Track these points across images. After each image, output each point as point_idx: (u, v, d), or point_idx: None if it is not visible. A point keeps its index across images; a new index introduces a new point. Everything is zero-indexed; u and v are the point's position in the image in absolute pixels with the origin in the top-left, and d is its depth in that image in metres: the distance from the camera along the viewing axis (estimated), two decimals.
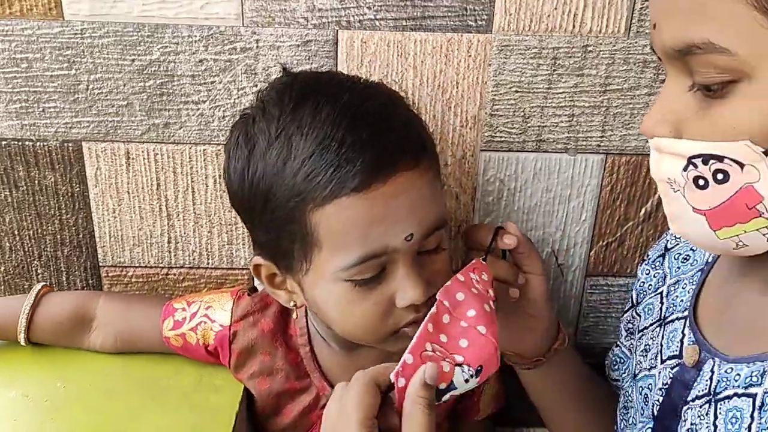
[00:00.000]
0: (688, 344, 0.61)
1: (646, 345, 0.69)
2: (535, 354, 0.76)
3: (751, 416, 0.52)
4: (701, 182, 0.50)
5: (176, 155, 0.82)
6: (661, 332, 0.67)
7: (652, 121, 0.53)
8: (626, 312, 0.79)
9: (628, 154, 0.82)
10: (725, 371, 0.56)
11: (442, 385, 0.57)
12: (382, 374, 0.56)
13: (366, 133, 0.61)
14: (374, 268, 0.62)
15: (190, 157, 0.82)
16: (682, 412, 0.59)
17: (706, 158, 0.49)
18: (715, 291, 0.64)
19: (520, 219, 0.86)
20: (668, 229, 0.69)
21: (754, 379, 0.53)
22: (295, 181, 0.60)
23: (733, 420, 0.53)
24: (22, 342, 0.78)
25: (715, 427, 0.55)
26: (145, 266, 0.87)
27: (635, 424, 0.67)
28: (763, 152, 0.46)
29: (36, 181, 0.82)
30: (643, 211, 0.86)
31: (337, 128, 0.60)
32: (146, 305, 0.80)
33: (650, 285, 0.74)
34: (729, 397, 0.54)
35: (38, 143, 0.80)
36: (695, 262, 0.68)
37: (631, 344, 0.76)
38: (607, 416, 0.76)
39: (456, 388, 0.58)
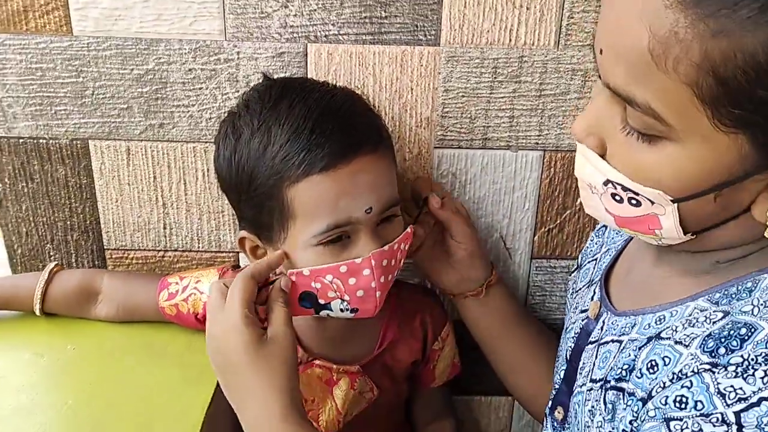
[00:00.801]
0: (593, 300, 0.74)
1: (577, 303, 0.81)
2: (464, 291, 0.91)
3: (615, 357, 0.64)
4: (617, 198, 0.59)
5: (170, 152, 0.94)
6: (588, 292, 0.79)
7: (582, 128, 0.59)
8: (571, 273, 0.91)
9: (563, 150, 0.94)
10: (612, 322, 0.68)
11: (322, 301, 0.78)
12: (259, 271, 0.73)
13: (332, 123, 0.74)
14: (340, 234, 0.76)
15: (182, 153, 0.94)
16: (582, 355, 0.72)
17: (625, 188, 0.57)
18: (625, 259, 0.75)
19: (471, 208, 0.97)
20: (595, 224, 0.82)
21: (627, 329, 0.65)
22: (273, 162, 0.73)
23: (604, 359, 0.66)
24: (37, 312, 0.90)
25: (594, 365, 0.67)
26: (144, 249, 1.00)
27: (557, 368, 0.79)
28: (671, 200, 0.55)
29: (49, 174, 0.95)
30: (579, 200, 0.97)
31: (308, 120, 0.74)
32: (144, 280, 0.92)
33: (591, 251, 0.85)
34: (607, 342, 0.66)
35: (51, 141, 0.93)
36: (625, 234, 0.78)
37: (570, 303, 0.88)
38: (541, 350, 0.88)
39: (332, 310, 0.79)
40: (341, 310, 0.79)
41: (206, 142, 0.93)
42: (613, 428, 0.61)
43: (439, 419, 1.04)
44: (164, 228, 0.98)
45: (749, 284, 0.56)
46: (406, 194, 0.90)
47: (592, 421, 0.66)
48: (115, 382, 0.82)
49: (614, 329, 0.67)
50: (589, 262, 0.84)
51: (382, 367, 0.92)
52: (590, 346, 0.71)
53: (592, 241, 0.86)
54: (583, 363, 0.71)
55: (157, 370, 0.83)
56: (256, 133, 0.75)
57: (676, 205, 0.55)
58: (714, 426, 0.49)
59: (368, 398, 0.92)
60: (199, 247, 1.00)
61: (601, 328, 0.69)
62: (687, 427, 0.50)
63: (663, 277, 0.65)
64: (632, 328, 0.64)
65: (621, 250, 0.77)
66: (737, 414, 0.48)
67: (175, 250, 1.00)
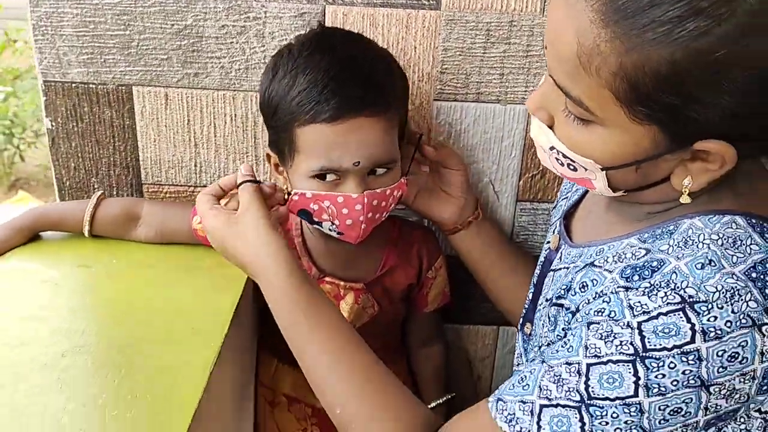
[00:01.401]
0: (554, 233, 0.88)
1: (549, 237, 0.95)
2: (456, 222, 1.04)
3: (559, 279, 0.79)
4: (559, 162, 0.73)
5: (203, 98, 1.07)
6: (554, 227, 0.93)
7: (534, 104, 0.73)
8: (551, 211, 1.05)
9: None
10: (567, 253, 0.82)
11: (315, 219, 0.93)
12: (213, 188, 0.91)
13: (345, 82, 0.87)
14: (332, 175, 0.89)
15: (213, 100, 1.08)
16: (545, 280, 0.86)
17: (565, 155, 0.71)
18: (588, 200, 0.89)
19: (464, 155, 1.11)
20: None
21: (575, 258, 0.79)
22: (291, 104, 0.87)
23: (554, 282, 0.81)
24: (86, 233, 1.04)
25: (548, 287, 0.82)
26: (177, 185, 1.14)
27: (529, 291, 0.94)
28: (601, 169, 0.69)
29: (96, 116, 1.08)
30: None
31: (326, 75, 0.87)
32: (180, 207, 1.07)
33: (565, 189, 0.98)
34: (559, 269, 0.81)
35: (99, 86, 1.06)
36: None
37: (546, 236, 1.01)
38: (527, 274, 1.01)
39: (322, 227, 0.95)
40: (329, 230, 0.94)
41: (235, 90, 1.07)
42: (553, 337, 0.76)
43: (430, 342, 1.19)
44: (195, 166, 1.12)
45: (671, 227, 0.70)
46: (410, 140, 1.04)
47: (544, 333, 0.81)
48: (153, 288, 0.96)
49: (567, 258, 0.82)
50: (562, 199, 0.98)
51: (382, 288, 1.07)
52: (551, 272, 0.85)
53: (565, 184, 1.00)
54: (545, 286, 0.86)
55: (190, 280, 0.98)
56: (287, 75, 0.89)
57: (604, 172, 0.69)
58: (621, 329, 0.63)
59: (370, 313, 1.06)
60: None
61: (560, 258, 0.84)
62: (602, 329, 0.65)
63: (609, 220, 0.80)
64: (579, 257, 0.79)
65: (585, 193, 0.91)
66: (639, 323, 0.63)
67: (204, 186, 1.13)
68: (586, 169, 0.70)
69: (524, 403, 0.67)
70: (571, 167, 0.71)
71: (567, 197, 0.95)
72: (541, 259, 0.90)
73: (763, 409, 0.66)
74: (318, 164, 0.89)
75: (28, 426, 0.70)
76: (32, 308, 0.89)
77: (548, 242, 0.90)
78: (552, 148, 0.72)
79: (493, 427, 0.69)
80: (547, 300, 0.82)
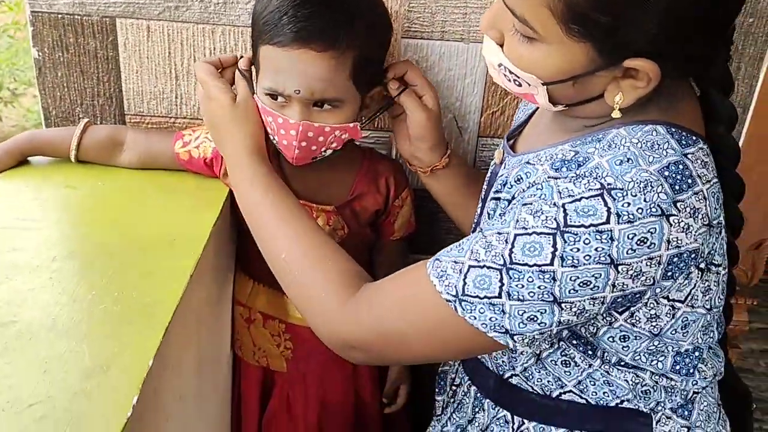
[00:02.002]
0: (498, 149, 0.96)
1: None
2: (429, 163, 1.08)
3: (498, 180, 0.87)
4: (507, 78, 0.81)
5: (183, 31, 1.13)
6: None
7: (486, 23, 0.80)
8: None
9: None
10: (508, 163, 0.90)
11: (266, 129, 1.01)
12: (212, 61, 1.02)
13: (305, 11, 0.92)
14: (281, 98, 0.96)
15: (193, 33, 1.13)
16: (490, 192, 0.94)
17: (510, 71, 0.78)
18: (534, 119, 0.96)
19: None
20: None
21: (515, 164, 0.87)
22: (259, 22, 0.95)
23: (490, 185, 0.89)
24: (72, 159, 1.10)
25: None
26: (158, 116, 1.20)
27: None
28: (542, 83, 0.76)
29: (81, 46, 1.14)
30: None
31: (292, 2, 0.93)
32: (162, 133, 1.14)
33: (515, 120, 1.04)
34: (502, 175, 0.89)
35: (84, 17, 1.12)
36: None
37: None
38: None
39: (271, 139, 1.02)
40: (273, 141, 1.02)
41: (214, 24, 1.12)
42: (490, 226, 0.83)
43: (396, 270, 1.27)
44: (176, 98, 1.19)
45: (600, 136, 0.78)
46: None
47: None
48: (137, 206, 1.04)
49: (509, 167, 0.90)
50: (514, 125, 1.05)
51: (352, 212, 1.15)
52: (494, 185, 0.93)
53: (519, 109, 1.07)
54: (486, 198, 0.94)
55: (171, 200, 1.06)
56: None
57: (545, 87, 0.77)
58: (549, 207, 0.72)
59: (340, 235, 1.14)
60: None
61: (504, 168, 0.92)
62: (533, 207, 0.73)
63: (550, 132, 0.88)
64: (519, 162, 0.87)
65: (532, 114, 0.98)
66: (564, 203, 0.71)
67: (184, 118, 1.20)
68: (529, 85, 0.78)
69: (456, 263, 0.76)
70: (517, 83, 0.79)
71: (517, 118, 1.02)
72: (488, 176, 0.98)
73: (670, 297, 0.76)
74: (267, 84, 0.96)
75: (22, 315, 0.77)
76: (23, 221, 0.96)
77: (493, 160, 0.98)
78: (500, 65, 0.80)
79: (426, 281, 0.78)
80: (488, 200, 0.90)
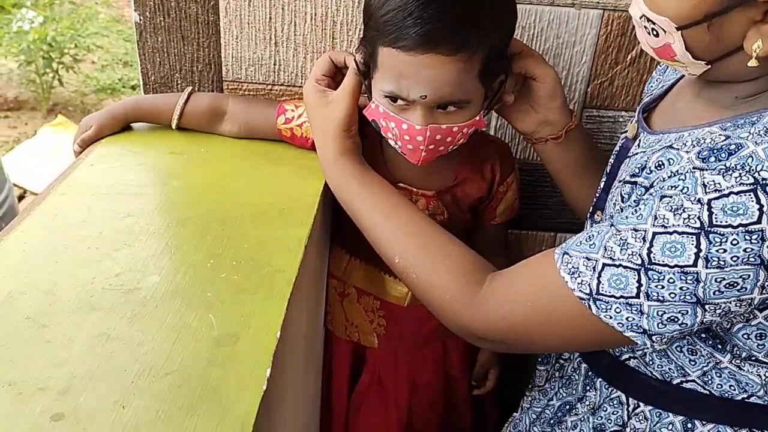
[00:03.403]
0: (632, 122, 0.91)
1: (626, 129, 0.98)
2: (563, 124, 1.01)
3: (635, 161, 0.82)
4: (647, 30, 0.76)
5: None
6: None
7: None
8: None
9: (620, 10, 1.09)
10: (645, 140, 0.85)
11: (383, 132, 0.97)
12: (336, 56, 1.00)
13: (432, 12, 0.83)
14: (402, 101, 0.91)
15: None
16: (620, 167, 0.89)
17: (648, 19, 0.75)
18: (674, 93, 0.91)
19: None
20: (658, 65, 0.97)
21: (653, 144, 0.82)
22: (379, 21, 0.88)
23: (630, 164, 0.84)
24: (173, 125, 1.09)
25: (623, 171, 0.85)
26: (256, 82, 1.18)
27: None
28: (676, 28, 0.72)
29: (183, 11, 1.12)
30: (629, 57, 1.14)
31: (417, 2, 0.84)
32: (264, 104, 1.11)
33: (651, 87, 1.00)
34: (636, 154, 0.84)
35: None
36: (678, 73, 0.93)
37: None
38: None
39: (388, 141, 0.99)
40: (394, 145, 0.97)
41: None
42: (622, 210, 0.80)
43: (494, 254, 1.21)
44: (274, 64, 1.16)
45: (755, 118, 0.72)
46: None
47: (613, 209, 0.85)
48: (242, 173, 1.02)
49: (645, 144, 0.85)
50: (646, 96, 0.99)
51: (453, 198, 1.11)
52: (626, 159, 0.88)
53: (653, 78, 1.01)
54: (621, 173, 0.89)
55: (275, 168, 1.04)
56: None
57: (680, 32, 0.72)
58: (692, 203, 0.67)
59: (439, 220, 1.11)
60: (301, 83, 1.18)
61: (638, 145, 0.87)
62: (673, 202, 0.69)
63: (696, 108, 0.82)
64: (657, 142, 0.82)
65: (673, 85, 0.93)
66: (710, 200, 0.66)
67: (282, 85, 1.18)
68: (665, 32, 0.73)
69: (588, 259, 0.73)
70: (654, 32, 0.75)
71: (651, 94, 0.97)
72: (617, 148, 0.93)
73: None
74: (388, 87, 0.90)
75: (145, 282, 0.76)
76: (132, 186, 0.95)
77: (624, 132, 0.93)
78: (642, 16, 0.75)
79: (556, 275, 0.75)
80: (620, 182, 0.85)
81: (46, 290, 0.73)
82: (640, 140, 0.86)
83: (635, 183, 0.80)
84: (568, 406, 0.98)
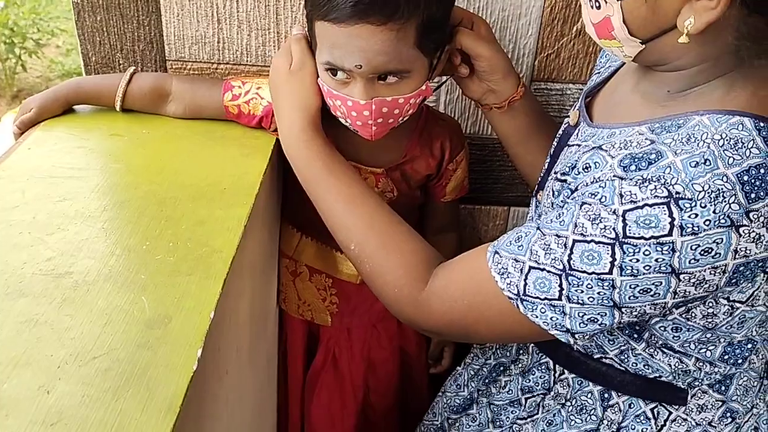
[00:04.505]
0: (574, 109, 0.91)
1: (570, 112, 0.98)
2: (507, 95, 1.01)
3: (570, 155, 0.83)
4: (591, 3, 0.76)
5: None
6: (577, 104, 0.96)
7: None
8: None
9: None
10: (583, 131, 0.86)
11: (332, 111, 0.97)
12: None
13: None
14: (342, 73, 0.90)
15: None
16: (560, 153, 0.90)
17: None
18: (615, 80, 0.91)
19: None
20: None
21: (588, 137, 0.83)
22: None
23: (566, 157, 0.85)
24: (118, 108, 1.06)
25: (561, 161, 0.87)
26: (200, 61, 1.16)
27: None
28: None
29: None
30: (575, 29, 1.13)
31: None
32: (209, 83, 1.09)
33: (597, 67, 0.99)
34: (573, 145, 0.85)
35: None
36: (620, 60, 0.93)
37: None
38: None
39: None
40: (344, 122, 0.97)
41: None
42: (552, 206, 0.83)
43: (444, 230, 1.24)
44: (218, 42, 1.14)
45: (681, 121, 0.73)
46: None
47: (547, 202, 0.87)
48: (184, 154, 1.00)
49: (582, 136, 0.85)
50: (595, 73, 0.99)
51: (402, 174, 1.11)
52: (566, 147, 0.89)
53: (602, 54, 1.01)
54: (559, 159, 0.90)
55: (219, 148, 1.02)
56: None
57: (620, 3, 0.72)
58: (608, 214, 0.69)
59: (388, 197, 1.11)
60: (247, 61, 1.16)
61: (577, 135, 0.87)
62: (592, 211, 0.71)
63: (631, 103, 0.82)
64: (591, 137, 0.83)
65: (615, 71, 0.93)
66: (625, 211, 0.68)
67: (227, 63, 1.16)
68: (606, 2, 0.73)
69: (516, 261, 0.76)
70: (596, 4, 0.75)
71: (599, 73, 0.97)
72: (559, 132, 0.93)
73: (731, 298, 0.73)
74: (325, 59, 0.91)
75: (77, 266, 0.75)
76: (70, 169, 0.93)
77: (568, 117, 0.93)
78: None
79: (488, 275, 0.78)
80: (555, 173, 0.86)
81: None
82: (579, 130, 0.87)
83: (565, 181, 0.83)
84: (502, 367, 1.04)
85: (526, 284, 0.75)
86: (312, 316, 1.23)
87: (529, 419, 0.97)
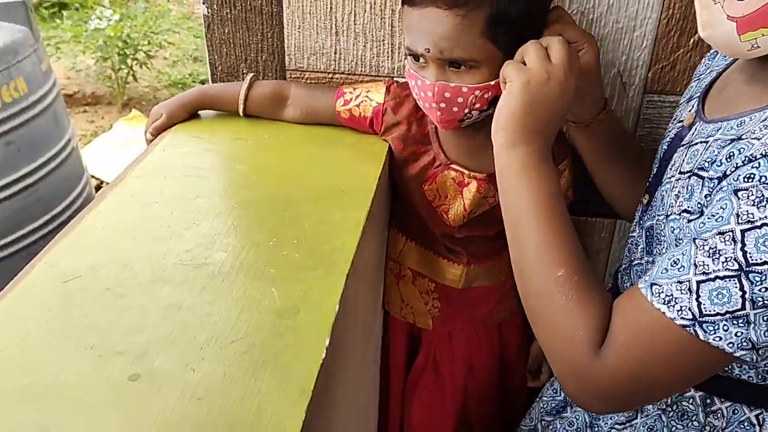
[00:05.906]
0: (689, 111, 0.90)
1: (676, 115, 0.97)
2: (586, 118, 1.02)
3: (701, 154, 0.80)
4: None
5: None
6: (687, 107, 0.95)
7: None
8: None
9: None
10: (702, 129, 0.83)
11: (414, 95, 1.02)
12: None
13: None
14: (421, 58, 0.94)
15: None
16: (674, 155, 0.88)
17: None
18: (723, 79, 0.91)
19: None
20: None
21: (713, 132, 0.80)
22: None
23: (692, 156, 0.82)
24: (240, 112, 1.14)
25: (683, 161, 0.84)
26: (317, 71, 1.22)
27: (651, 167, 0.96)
28: None
29: (248, 2, 1.17)
30: (692, 40, 1.12)
31: None
32: (324, 90, 1.15)
33: (698, 72, 0.98)
34: (696, 143, 0.83)
35: None
36: (726, 58, 0.91)
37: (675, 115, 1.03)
38: (641, 170, 1.05)
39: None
40: (421, 107, 1.02)
41: None
42: (688, 205, 0.78)
43: None
44: (335, 53, 1.20)
45: None
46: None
47: (675, 202, 0.83)
48: (303, 158, 1.06)
49: (703, 134, 0.83)
50: (694, 81, 0.99)
51: None
52: (681, 148, 0.87)
53: (702, 64, 1.00)
54: (674, 161, 0.88)
55: (335, 153, 1.07)
56: None
57: None
58: None
59: (490, 202, 1.12)
60: (361, 71, 1.21)
61: (693, 134, 0.86)
62: (752, 195, 0.65)
63: (752, 92, 0.80)
64: (717, 131, 0.80)
65: (722, 71, 0.92)
66: None
67: (342, 73, 1.21)
68: None
69: (681, 283, 0.68)
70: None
71: (699, 78, 0.96)
72: (671, 135, 0.92)
73: None
74: (406, 42, 0.97)
75: (213, 258, 0.81)
76: (200, 169, 1.00)
77: (680, 120, 0.92)
78: None
79: (651, 310, 0.70)
80: (682, 173, 0.84)
81: (124, 264, 0.78)
82: (696, 129, 0.86)
83: (703, 177, 0.77)
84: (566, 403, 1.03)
85: (700, 303, 0.66)
86: (414, 319, 1.26)
87: (627, 424, 0.95)
